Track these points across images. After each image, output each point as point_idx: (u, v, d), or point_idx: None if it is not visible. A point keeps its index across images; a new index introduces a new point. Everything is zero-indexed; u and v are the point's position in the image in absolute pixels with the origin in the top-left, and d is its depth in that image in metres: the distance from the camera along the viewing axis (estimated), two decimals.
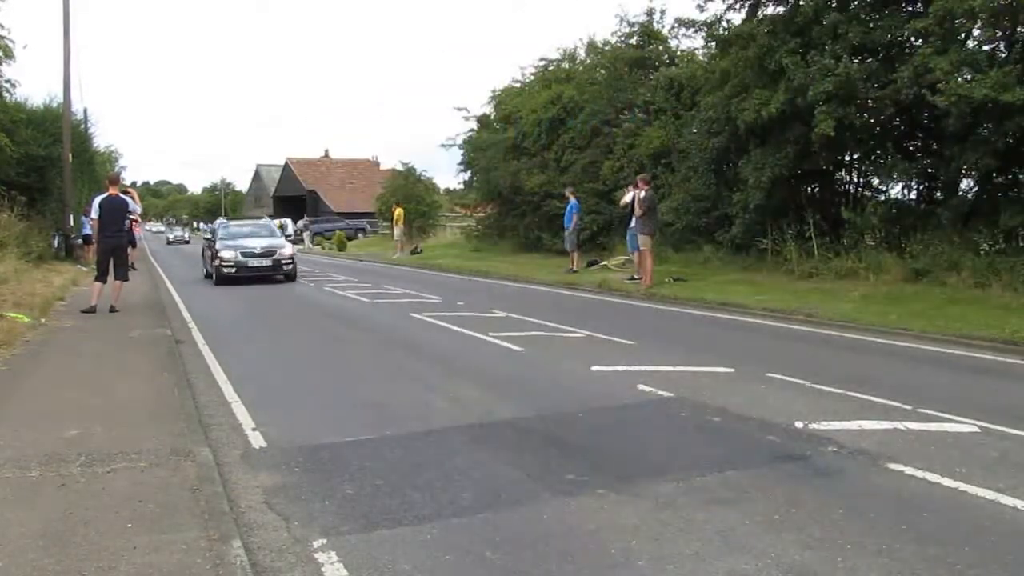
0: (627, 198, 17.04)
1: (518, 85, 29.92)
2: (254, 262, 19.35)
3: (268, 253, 19.63)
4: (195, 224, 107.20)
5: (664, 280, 16.11)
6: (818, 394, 6.85)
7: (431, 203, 42.13)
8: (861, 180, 17.58)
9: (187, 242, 63.76)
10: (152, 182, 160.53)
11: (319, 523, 4.18)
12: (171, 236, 68.42)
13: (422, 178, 42.56)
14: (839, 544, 3.82)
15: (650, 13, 24.56)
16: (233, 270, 19.18)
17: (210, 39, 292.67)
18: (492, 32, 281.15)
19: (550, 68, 28.77)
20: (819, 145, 14.87)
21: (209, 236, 22.17)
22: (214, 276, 19.59)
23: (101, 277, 12.74)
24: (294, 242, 48.01)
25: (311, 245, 46.05)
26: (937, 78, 12.62)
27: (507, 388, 7.28)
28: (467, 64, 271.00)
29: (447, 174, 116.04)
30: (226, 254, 19.35)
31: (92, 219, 13.80)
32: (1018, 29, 13.00)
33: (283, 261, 19.74)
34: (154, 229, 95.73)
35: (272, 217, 47.35)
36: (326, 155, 77.13)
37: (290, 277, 19.95)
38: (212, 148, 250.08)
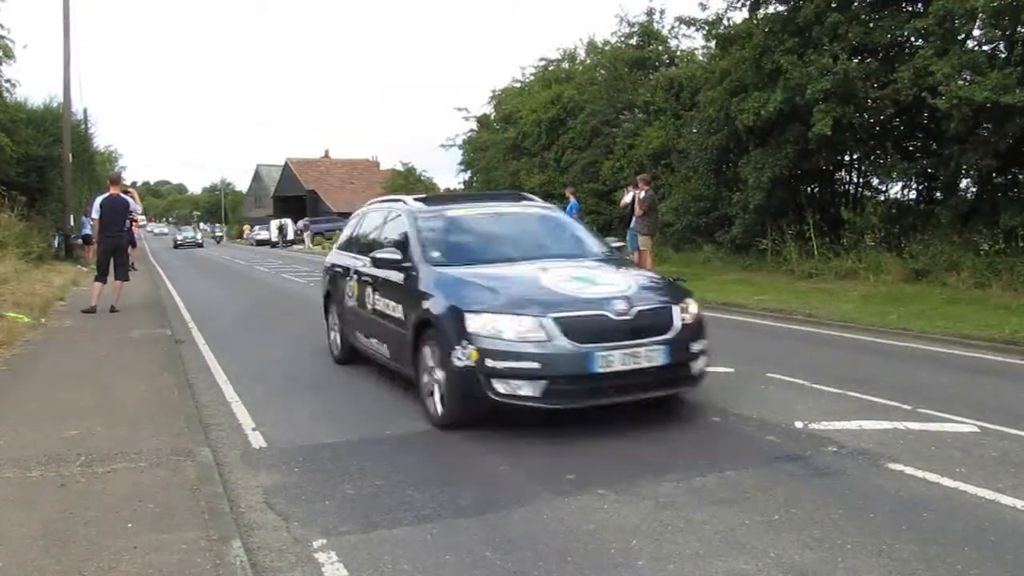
0: (627, 198, 17.03)
1: (518, 85, 30.01)
2: (618, 360, 5.49)
3: (648, 324, 5.69)
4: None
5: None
6: (818, 394, 6.84)
7: None
8: (861, 180, 17.60)
9: (200, 245, 55.22)
10: (152, 182, 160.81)
11: (319, 523, 4.19)
12: (179, 237, 57.13)
13: (422, 178, 42.63)
14: (839, 544, 3.82)
15: (650, 13, 24.65)
16: (537, 387, 5.41)
17: (210, 39, 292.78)
18: (492, 32, 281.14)
19: (550, 68, 28.85)
20: (819, 145, 14.88)
21: (393, 254, 6.77)
22: (441, 400, 5.82)
23: (101, 277, 12.73)
24: (293, 242, 48.05)
25: (311, 245, 46.10)
26: (938, 80, 12.62)
27: None
28: (467, 64, 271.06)
29: (447, 174, 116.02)
30: (514, 325, 5.47)
31: (93, 219, 13.81)
32: (1018, 29, 13.00)
33: (690, 346, 5.92)
34: (156, 230, 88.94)
35: (272, 217, 46.75)
36: (326, 155, 77.12)
37: (692, 380, 6.16)
38: (212, 148, 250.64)
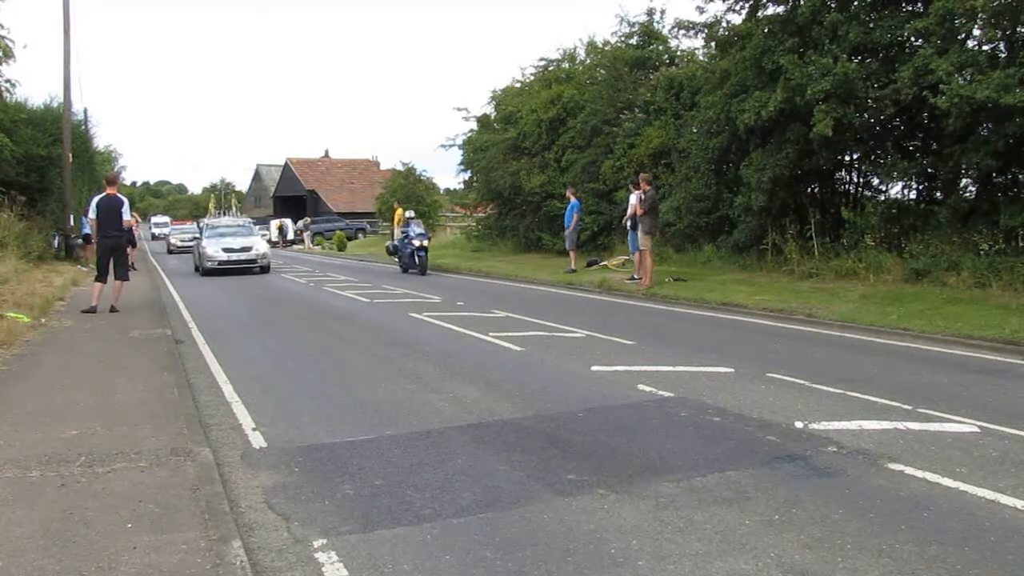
0: (632, 200, 16.98)
1: (518, 85, 29.90)
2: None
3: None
4: (196, 224, 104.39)
5: (664, 280, 16.11)
6: (818, 394, 6.85)
7: (431, 203, 42.18)
8: (861, 180, 17.59)
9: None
10: (152, 182, 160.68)
11: (319, 523, 4.19)
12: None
13: (422, 178, 42.61)
14: (839, 544, 3.83)
15: (650, 13, 24.62)
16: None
17: (210, 39, 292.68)
18: (492, 32, 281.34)
19: (550, 68, 28.77)
20: (819, 145, 14.87)
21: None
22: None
23: (101, 277, 12.75)
24: (293, 242, 48.04)
25: (311, 245, 46.10)
26: (939, 78, 12.62)
27: (507, 388, 7.28)
28: (467, 64, 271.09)
29: (447, 174, 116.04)
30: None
31: (90, 219, 13.83)
32: (1018, 29, 13.00)
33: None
34: (178, 238, 72.18)
35: (272, 217, 46.66)
36: (326, 155, 77.12)
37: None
38: (212, 148, 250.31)
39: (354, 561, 3.72)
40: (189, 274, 23.91)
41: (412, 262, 22.04)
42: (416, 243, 21.94)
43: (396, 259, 24.01)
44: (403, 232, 23.45)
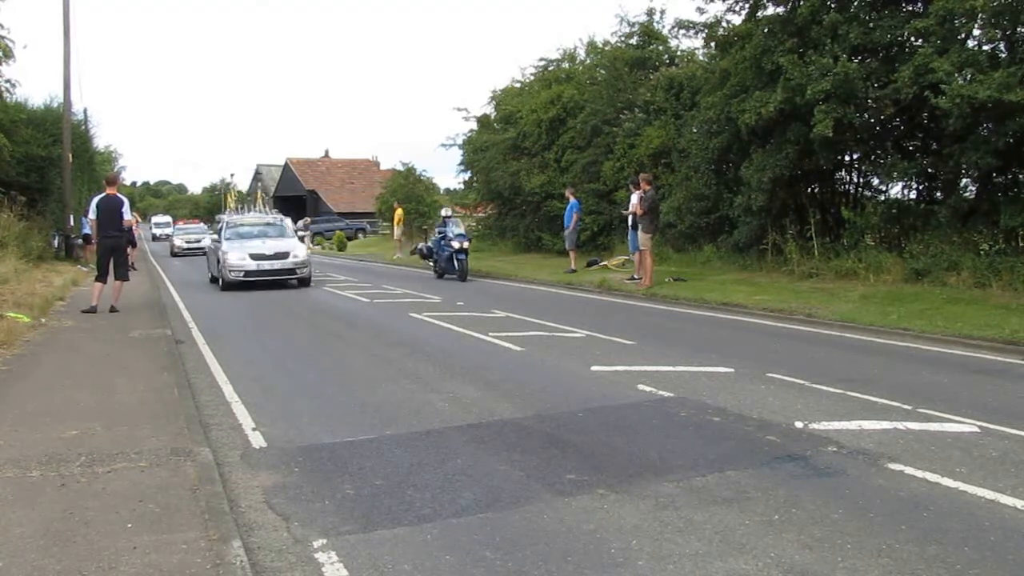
0: (634, 199, 16.99)
1: (518, 85, 29.91)
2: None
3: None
4: (207, 222, 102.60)
5: (664, 280, 16.11)
6: (818, 394, 6.85)
7: (431, 203, 42.19)
8: (861, 180, 17.59)
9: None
10: (152, 182, 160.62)
11: (319, 523, 4.19)
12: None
13: (422, 178, 42.63)
14: (839, 544, 3.83)
15: (650, 13, 24.59)
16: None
17: (210, 39, 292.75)
18: (492, 32, 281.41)
19: (550, 68, 28.77)
20: (819, 145, 14.87)
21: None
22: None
23: (101, 277, 12.76)
24: None
25: (311, 245, 46.09)
26: (939, 78, 12.63)
27: (507, 388, 7.28)
28: (467, 64, 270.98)
29: (447, 174, 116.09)
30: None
31: (90, 219, 13.84)
32: (1018, 29, 13.00)
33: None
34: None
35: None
36: (326, 155, 77.06)
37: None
38: (212, 148, 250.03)
39: (354, 561, 3.72)
40: (203, 284, 19.97)
41: (450, 266, 19.45)
42: (455, 245, 19.29)
43: (431, 263, 21.19)
44: (439, 232, 20.62)
